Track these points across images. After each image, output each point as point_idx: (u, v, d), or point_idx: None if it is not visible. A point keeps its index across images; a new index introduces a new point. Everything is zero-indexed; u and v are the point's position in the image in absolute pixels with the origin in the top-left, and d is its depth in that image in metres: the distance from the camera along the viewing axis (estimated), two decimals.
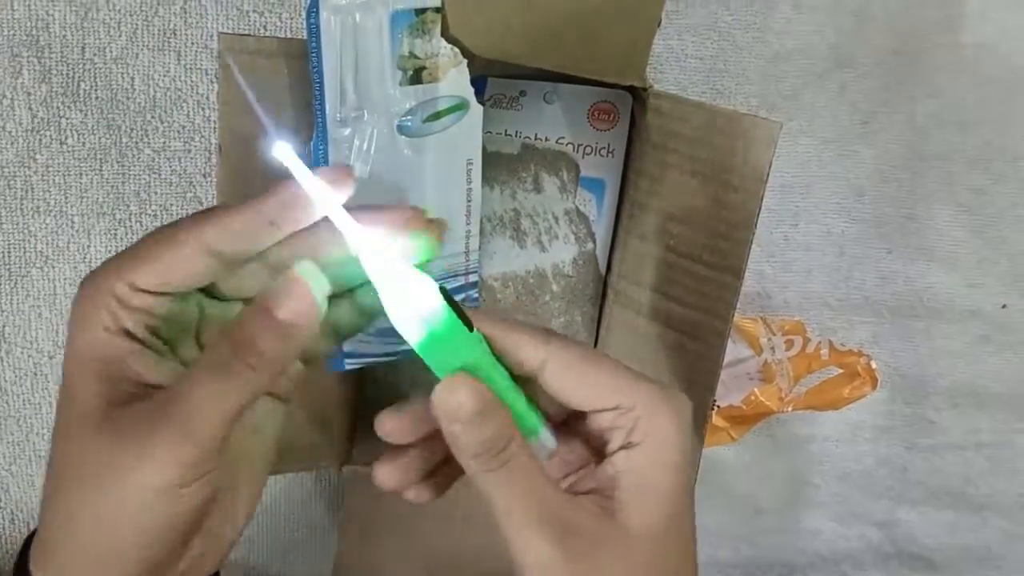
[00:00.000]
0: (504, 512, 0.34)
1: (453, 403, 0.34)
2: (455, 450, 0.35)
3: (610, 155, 0.62)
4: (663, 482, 0.36)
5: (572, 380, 0.37)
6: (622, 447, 0.37)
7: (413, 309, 0.34)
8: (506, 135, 0.62)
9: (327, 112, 0.53)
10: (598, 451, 0.39)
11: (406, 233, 0.38)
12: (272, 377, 0.34)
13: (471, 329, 0.36)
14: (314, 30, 0.51)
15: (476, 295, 0.62)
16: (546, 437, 0.39)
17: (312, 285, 0.33)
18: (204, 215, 0.35)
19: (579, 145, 0.62)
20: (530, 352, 0.37)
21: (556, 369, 0.37)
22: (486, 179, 0.58)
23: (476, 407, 0.34)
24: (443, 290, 0.35)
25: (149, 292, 0.35)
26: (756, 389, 0.68)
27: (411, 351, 0.57)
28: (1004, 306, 0.75)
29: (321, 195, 0.34)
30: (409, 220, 0.39)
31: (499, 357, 0.37)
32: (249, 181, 0.53)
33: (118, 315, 0.34)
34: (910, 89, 0.70)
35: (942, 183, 0.72)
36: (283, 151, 0.34)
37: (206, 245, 0.34)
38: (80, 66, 0.61)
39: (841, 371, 0.70)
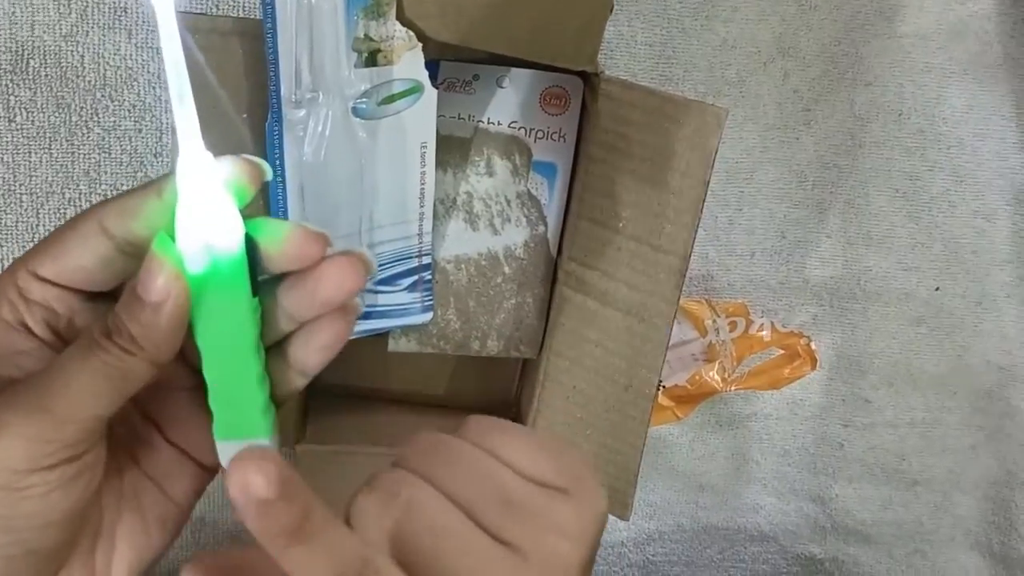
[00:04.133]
0: None
1: (252, 485, 0.28)
2: (251, 529, 0.30)
3: (562, 139, 0.63)
4: None
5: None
6: None
7: (211, 237, 0.32)
8: (459, 119, 0.62)
9: (282, 93, 0.53)
10: None
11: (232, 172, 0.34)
12: (149, 361, 0.32)
13: (255, 294, 0.33)
14: (269, 10, 0.51)
15: (429, 276, 0.63)
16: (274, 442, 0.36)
17: (170, 258, 0.31)
18: (108, 199, 0.34)
19: (531, 129, 0.63)
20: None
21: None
22: (439, 162, 0.59)
23: (273, 492, 0.28)
24: (250, 241, 0.33)
25: (51, 283, 0.33)
26: (700, 369, 0.70)
27: (366, 331, 0.58)
28: (937, 289, 0.78)
29: (172, 65, 0.31)
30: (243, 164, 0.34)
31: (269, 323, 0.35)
32: None
33: (17, 307, 0.33)
34: (850, 77, 0.72)
35: (879, 169, 0.74)
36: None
37: (101, 224, 0.33)
38: (29, 43, 0.60)
39: (782, 352, 0.72)
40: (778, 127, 0.72)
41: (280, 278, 0.35)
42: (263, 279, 0.35)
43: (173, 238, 0.32)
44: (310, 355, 0.36)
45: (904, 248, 0.76)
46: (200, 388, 0.35)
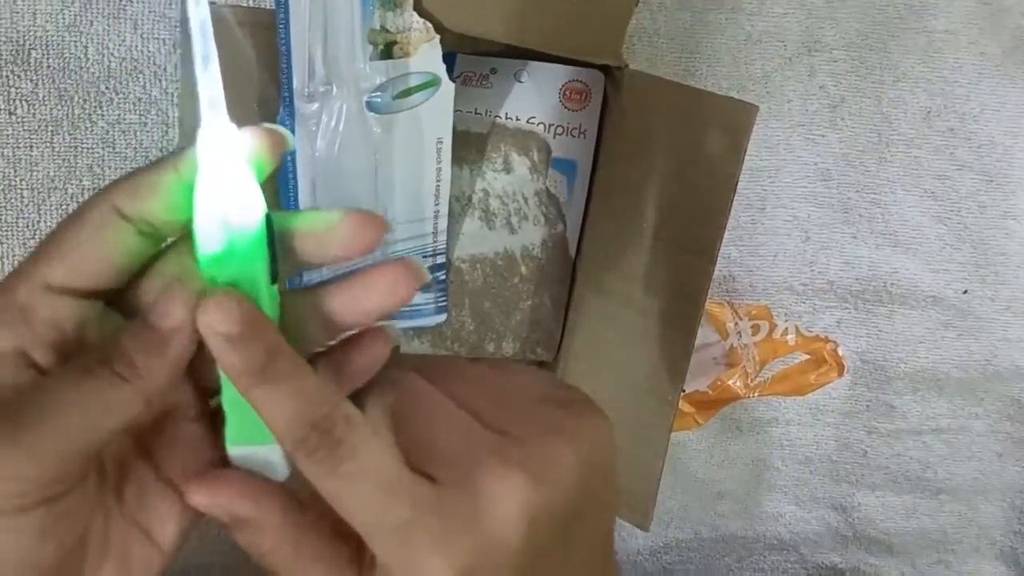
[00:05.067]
0: (273, 427, 0.30)
1: (214, 321, 0.29)
2: (221, 367, 0.30)
3: (582, 135, 0.61)
4: None
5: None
6: None
7: (230, 212, 0.30)
8: (476, 113, 0.60)
9: (294, 86, 0.52)
10: None
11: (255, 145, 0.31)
12: (148, 393, 0.29)
13: (274, 281, 0.31)
14: (283, 0, 0.49)
15: (443, 276, 0.61)
16: None
17: (188, 292, 0.29)
18: (119, 178, 0.31)
19: (550, 125, 0.61)
20: None
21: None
22: (455, 158, 0.57)
23: (239, 328, 0.29)
24: (269, 221, 0.31)
25: (64, 291, 0.30)
26: (723, 375, 0.68)
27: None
28: (965, 292, 0.76)
29: (201, 43, 0.29)
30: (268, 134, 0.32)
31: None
32: None
33: (17, 331, 0.29)
34: (878, 74, 0.70)
35: (907, 169, 0.72)
36: None
37: (115, 207, 0.30)
38: (31, 33, 0.58)
39: (807, 357, 0.70)
40: (803, 124, 0.70)
41: (315, 289, 0.33)
42: (305, 285, 0.34)
43: (191, 215, 0.30)
44: (343, 381, 0.34)
45: (932, 250, 0.74)
46: (208, 416, 0.34)
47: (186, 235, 0.31)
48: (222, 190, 0.30)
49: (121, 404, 0.29)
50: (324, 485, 0.30)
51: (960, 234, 0.74)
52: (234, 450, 0.33)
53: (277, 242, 0.31)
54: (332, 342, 0.35)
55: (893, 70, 0.70)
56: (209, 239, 0.30)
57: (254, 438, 0.32)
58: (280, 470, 0.33)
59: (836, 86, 0.70)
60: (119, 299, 0.32)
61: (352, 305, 0.33)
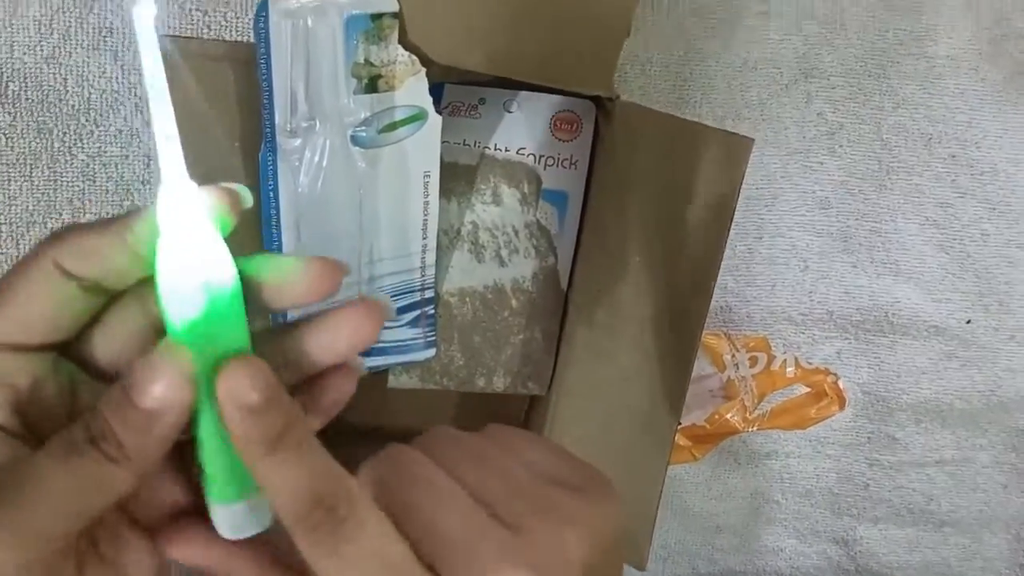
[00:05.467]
0: (275, 498, 0.29)
1: (240, 393, 0.28)
2: (232, 435, 0.29)
3: (573, 167, 0.60)
4: None
5: None
6: None
7: (205, 274, 0.28)
8: (464, 145, 0.59)
9: (276, 122, 0.50)
10: None
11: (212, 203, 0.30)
12: (139, 471, 0.28)
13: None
14: (263, 35, 0.48)
15: (432, 311, 0.59)
16: None
17: (181, 363, 0.28)
18: (61, 233, 0.30)
19: (541, 156, 0.59)
20: None
21: None
22: (443, 191, 0.56)
23: (261, 399, 0.28)
24: (240, 277, 0.30)
25: (9, 349, 0.29)
26: (720, 408, 0.66)
27: (365, 368, 0.54)
28: (969, 322, 0.74)
29: (155, 88, 0.28)
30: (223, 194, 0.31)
31: None
32: None
33: None
34: (877, 100, 0.69)
35: (908, 197, 0.71)
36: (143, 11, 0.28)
37: (58, 265, 0.29)
38: (9, 65, 0.57)
39: (807, 389, 0.68)
40: (800, 152, 0.69)
41: (281, 332, 0.33)
42: (273, 327, 0.33)
43: (153, 281, 0.29)
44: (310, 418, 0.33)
45: (934, 279, 0.73)
46: (176, 458, 0.32)
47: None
48: (195, 252, 0.29)
49: (112, 484, 0.28)
50: (321, 563, 0.29)
51: (963, 263, 0.73)
52: (222, 508, 0.32)
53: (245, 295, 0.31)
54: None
55: (892, 96, 0.69)
56: (185, 304, 0.29)
57: (242, 493, 0.31)
58: (265, 521, 0.32)
59: (834, 112, 0.68)
60: (71, 347, 0.31)
61: (320, 347, 0.32)
